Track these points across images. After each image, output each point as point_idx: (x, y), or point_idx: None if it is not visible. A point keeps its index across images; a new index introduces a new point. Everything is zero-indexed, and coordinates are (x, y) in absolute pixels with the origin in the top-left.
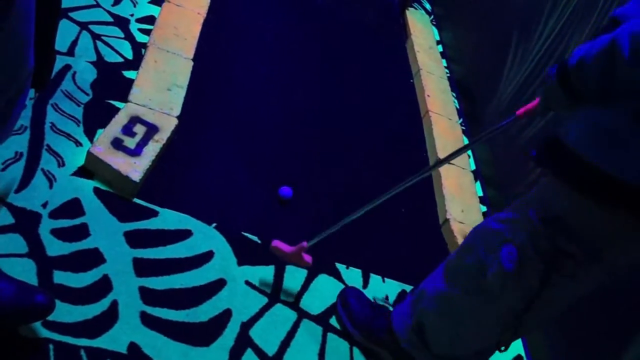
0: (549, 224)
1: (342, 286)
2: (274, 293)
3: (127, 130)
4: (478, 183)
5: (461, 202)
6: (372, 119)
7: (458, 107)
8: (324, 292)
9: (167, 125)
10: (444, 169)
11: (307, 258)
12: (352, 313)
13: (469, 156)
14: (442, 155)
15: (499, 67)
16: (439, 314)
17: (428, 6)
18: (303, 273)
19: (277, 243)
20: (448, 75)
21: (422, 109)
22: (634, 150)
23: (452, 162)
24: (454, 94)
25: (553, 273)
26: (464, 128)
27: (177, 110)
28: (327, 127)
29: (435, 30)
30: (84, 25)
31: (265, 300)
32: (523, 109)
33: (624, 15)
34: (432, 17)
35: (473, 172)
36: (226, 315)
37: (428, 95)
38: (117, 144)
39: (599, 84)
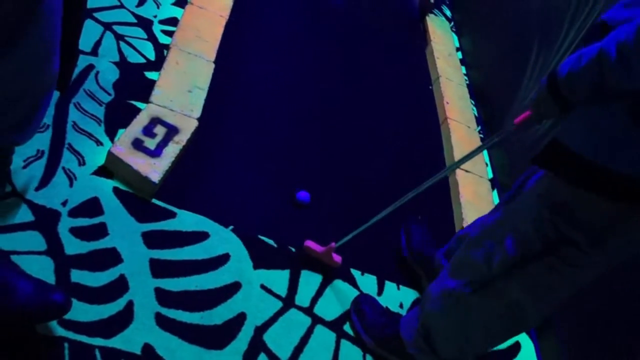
0: (554, 212)
1: (357, 292)
2: (289, 297)
3: (148, 131)
4: (495, 191)
5: (478, 210)
6: (391, 125)
7: (477, 114)
8: (338, 298)
9: (188, 126)
10: (461, 177)
11: (337, 258)
12: (365, 320)
13: (487, 164)
14: None
15: (519, 75)
16: (445, 315)
17: (448, 13)
18: (318, 278)
19: (309, 243)
20: (467, 82)
21: (441, 115)
22: (635, 147)
23: (469, 170)
24: (473, 101)
25: (556, 260)
26: (482, 136)
27: (197, 112)
28: (345, 132)
29: (455, 37)
30: (107, 26)
31: (279, 304)
32: (519, 118)
33: (612, 18)
34: (452, 23)
35: (490, 180)
36: (240, 318)
37: (447, 102)
38: (137, 144)
39: (589, 93)
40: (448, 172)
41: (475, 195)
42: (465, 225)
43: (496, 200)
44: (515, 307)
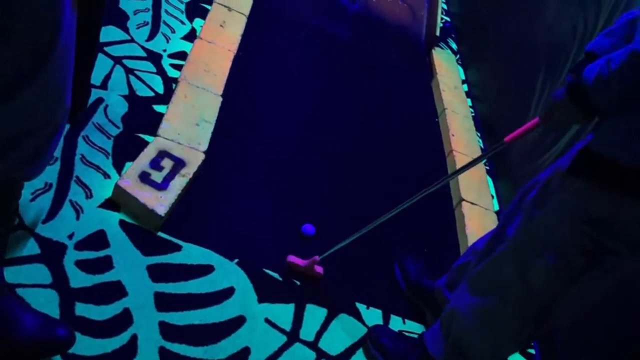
0: (592, 226)
1: (362, 326)
2: (294, 332)
3: (155, 164)
4: None
5: None
6: (397, 158)
7: (482, 146)
8: (343, 332)
9: (194, 160)
10: (466, 210)
11: (319, 270)
12: (387, 352)
13: (492, 196)
14: (465, 195)
15: (524, 107)
16: (479, 327)
17: (454, 46)
18: (323, 312)
19: (291, 258)
20: (473, 114)
21: (447, 148)
22: None
23: (475, 202)
24: (479, 134)
25: (598, 270)
26: (488, 168)
27: (204, 145)
28: (351, 166)
29: (461, 70)
30: (118, 60)
31: (284, 338)
32: (513, 135)
33: (597, 48)
34: (457, 56)
35: (496, 212)
36: (244, 353)
37: (453, 135)
38: (144, 177)
39: (622, 96)
40: (439, 185)
41: (481, 227)
42: None
43: None
44: (547, 311)
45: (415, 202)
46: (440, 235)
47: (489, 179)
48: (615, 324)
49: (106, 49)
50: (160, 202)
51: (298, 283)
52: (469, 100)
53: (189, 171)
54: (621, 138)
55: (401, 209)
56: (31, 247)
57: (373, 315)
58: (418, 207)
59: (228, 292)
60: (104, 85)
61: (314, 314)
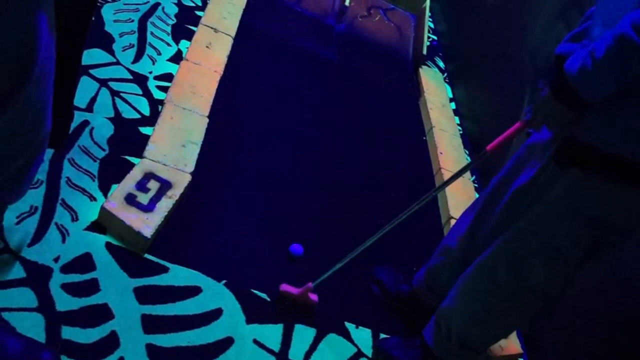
0: (590, 226)
1: (351, 346)
2: (282, 352)
3: (141, 186)
4: None
5: None
6: (385, 175)
7: None
8: (332, 352)
9: (181, 181)
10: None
11: (314, 297)
12: None
13: None
14: (454, 213)
15: (512, 124)
16: (481, 325)
17: (442, 64)
18: (312, 332)
19: (284, 287)
20: (461, 132)
21: (435, 166)
22: None
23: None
24: (467, 151)
25: (595, 261)
26: (476, 185)
27: (190, 167)
28: (339, 186)
29: (449, 88)
30: (103, 82)
31: (273, 359)
32: (495, 142)
33: (567, 49)
34: (445, 74)
35: None
36: None
37: (441, 153)
38: (130, 199)
39: (616, 81)
40: (426, 200)
41: None
42: None
43: None
44: (547, 296)
45: (404, 221)
46: (429, 253)
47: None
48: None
49: (91, 71)
50: (147, 224)
51: (286, 303)
52: (456, 118)
53: (175, 192)
54: (602, 126)
55: (391, 227)
56: (16, 271)
57: (362, 335)
58: (407, 225)
59: (216, 314)
60: (89, 108)
61: (303, 334)
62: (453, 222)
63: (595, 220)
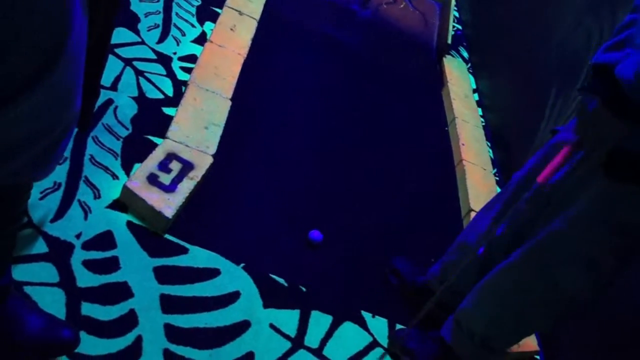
0: (625, 234)
1: (367, 335)
2: (298, 338)
3: (163, 166)
4: None
5: None
6: (406, 165)
7: (493, 157)
8: (347, 340)
9: (203, 163)
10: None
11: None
12: (416, 355)
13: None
14: (474, 205)
15: (536, 118)
16: (506, 326)
17: (466, 54)
18: (328, 319)
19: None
20: (483, 124)
21: (456, 157)
22: None
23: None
24: (489, 144)
25: (626, 267)
26: (497, 178)
27: (213, 149)
28: (359, 173)
29: (472, 79)
30: (128, 62)
31: (288, 345)
32: (545, 172)
33: (609, 59)
34: (469, 65)
35: None
36: (249, 358)
37: (462, 144)
38: (152, 179)
39: None
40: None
41: None
42: None
43: None
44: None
45: (424, 214)
46: (449, 245)
47: (499, 189)
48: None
49: (117, 50)
50: (168, 205)
51: (304, 289)
52: (479, 109)
53: (197, 174)
54: None
55: None
56: (39, 246)
57: (378, 324)
58: (426, 217)
59: (233, 296)
60: (113, 87)
61: (319, 321)
62: (473, 214)
63: (630, 228)
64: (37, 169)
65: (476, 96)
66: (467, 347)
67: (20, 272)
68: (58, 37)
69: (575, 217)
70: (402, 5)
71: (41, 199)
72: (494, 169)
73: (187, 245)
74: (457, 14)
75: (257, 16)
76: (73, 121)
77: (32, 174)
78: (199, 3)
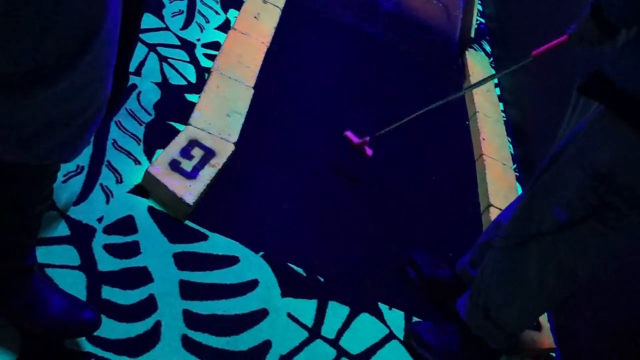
0: (597, 180)
1: (384, 327)
2: (315, 328)
3: (185, 152)
4: None
5: None
6: (425, 158)
7: (513, 152)
8: (364, 332)
9: (224, 150)
10: (494, 215)
11: (369, 151)
12: (433, 348)
13: None
14: (494, 201)
15: (558, 114)
16: (503, 291)
17: (488, 48)
18: (345, 310)
19: (348, 133)
20: (505, 119)
21: (476, 152)
22: None
23: (503, 208)
24: (510, 139)
25: (599, 223)
26: (517, 175)
27: (234, 137)
28: (380, 164)
29: (494, 73)
30: (152, 47)
31: (305, 334)
32: (541, 49)
33: None
34: (491, 59)
35: None
36: (266, 346)
37: (483, 139)
38: (174, 165)
39: (633, 10)
40: (456, 96)
41: None
42: None
43: None
44: (565, 268)
45: (442, 208)
46: (467, 240)
47: (518, 186)
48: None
49: (141, 35)
50: (189, 191)
51: (322, 280)
52: (501, 104)
53: (218, 161)
54: (630, 65)
55: (417, 113)
56: (62, 229)
57: (395, 317)
58: (444, 211)
59: (252, 285)
60: (137, 72)
61: (336, 312)
62: (492, 210)
63: (603, 174)
64: (68, 150)
65: (498, 91)
66: (473, 315)
67: (42, 254)
68: (96, 18)
69: (559, 166)
70: None
71: (64, 182)
72: (514, 164)
73: (207, 232)
74: (480, 7)
75: (281, 4)
76: (104, 104)
77: (62, 156)
78: None
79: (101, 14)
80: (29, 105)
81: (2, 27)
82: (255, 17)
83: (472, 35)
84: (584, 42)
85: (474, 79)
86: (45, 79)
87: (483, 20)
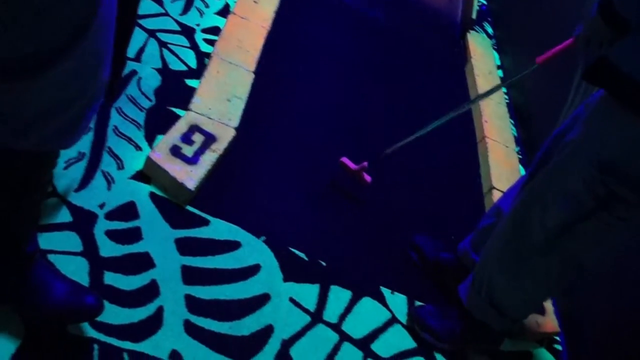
0: (604, 171)
1: (386, 311)
2: (317, 312)
3: (186, 138)
4: None
5: None
6: (428, 142)
7: (516, 134)
8: (366, 316)
9: (225, 135)
10: (497, 198)
11: (367, 177)
12: (436, 332)
13: None
14: (497, 183)
15: (561, 96)
16: (506, 277)
17: (490, 30)
18: (347, 294)
19: (344, 160)
20: (507, 101)
21: (479, 134)
22: None
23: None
24: (512, 121)
25: (607, 215)
26: (520, 157)
27: (235, 122)
28: (382, 149)
29: (496, 55)
30: (152, 33)
31: (307, 319)
32: (546, 55)
33: None
34: (493, 41)
35: None
36: (268, 331)
37: (485, 121)
38: (175, 151)
39: None
40: (462, 109)
41: None
42: None
43: None
44: (571, 259)
45: (445, 191)
46: (470, 223)
47: (521, 168)
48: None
49: (140, 21)
50: (190, 177)
51: (324, 264)
52: (503, 88)
53: (219, 147)
54: (635, 52)
55: (424, 132)
56: (63, 215)
57: (397, 300)
58: (447, 194)
59: (254, 269)
60: (137, 58)
61: (338, 296)
62: (495, 192)
63: (609, 165)
64: (66, 136)
65: (500, 72)
66: (476, 302)
67: (44, 241)
68: (86, 8)
69: (565, 155)
70: None
71: (65, 168)
72: (517, 146)
73: (208, 217)
74: None
75: None
76: (101, 90)
77: (60, 142)
78: None
79: (91, 5)
80: (25, 92)
81: None
82: (254, 1)
83: (474, 16)
84: (593, 44)
85: (475, 61)
86: (41, 65)
87: (484, 1)
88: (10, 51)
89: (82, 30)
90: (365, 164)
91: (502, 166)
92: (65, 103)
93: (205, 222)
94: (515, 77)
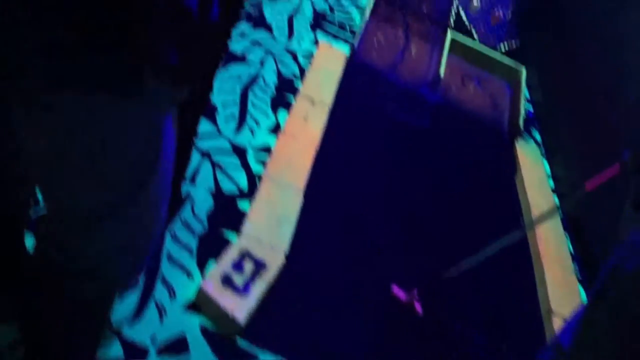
0: None
1: None
2: None
3: (237, 266)
4: None
5: None
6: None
7: (572, 251)
8: None
9: (275, 262)
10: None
11: (418, 307)
12: None
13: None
14: (555, 306)
15: (618, 206)
16: None
17: (538, 137)
18: None
19: (395, 289)
20: (561, 217)
21: (534, 252)
22: None
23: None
24: (567, 234)
25: None
26: (580, 279)
27: (285, 246)
28: (431, 264)
29: (546, 163)
30: (205, 154)
31: None
32: (595, 181)
33: None
34: (542, 148)
35: None
36: None
37: (539, 238)
38: (226, 281)
39: None
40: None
41: None
42: None
43: None
44: None
45: (502, 312)
46: (529, 347)
47: (581, 288)
48: None
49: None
50: (241, 309)
51: None
52: (555, 197)
53: (269, 275)
54: None
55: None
56: (116, 349)
57: None
58: (504, 318)
59: None
60: (192, 179)
61: None
62: (553, 317)
63: None
64: (126, 280)
65: (551, 182)
66: None
67: None
68: (151, 163)
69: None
70: (471, 87)
71: (119, 297)
72: (574, 262)
73: (256, 351)
74: (527, 94)
75: (329, 103)
76: (159, 232)
77: (120, 286)
78: (273, 91)
79: (156, 158)
80: (88, 240)
81: (55, 169)
82: (304, 119)
83: (521, 124)
84: None
85: (525, 170)
86: (102, 217)
87: (531, 108)
88: (74, 204)
89: (145, 179)
90: (415, 291)
91: (561, 287)
92: (127, 248)
93: (253, 358)
94: (567, 203)
